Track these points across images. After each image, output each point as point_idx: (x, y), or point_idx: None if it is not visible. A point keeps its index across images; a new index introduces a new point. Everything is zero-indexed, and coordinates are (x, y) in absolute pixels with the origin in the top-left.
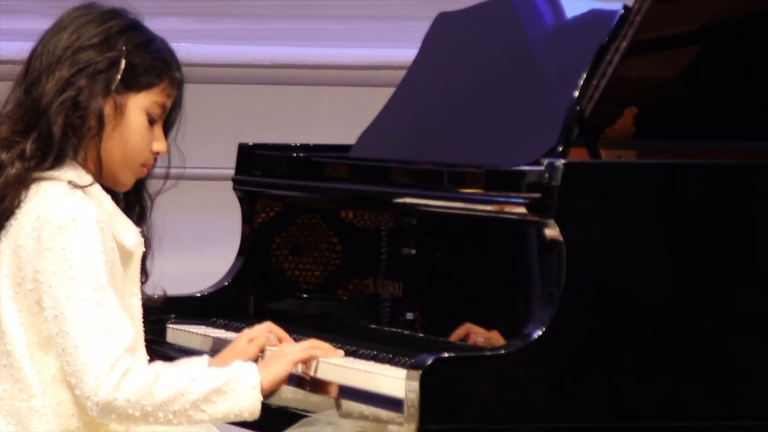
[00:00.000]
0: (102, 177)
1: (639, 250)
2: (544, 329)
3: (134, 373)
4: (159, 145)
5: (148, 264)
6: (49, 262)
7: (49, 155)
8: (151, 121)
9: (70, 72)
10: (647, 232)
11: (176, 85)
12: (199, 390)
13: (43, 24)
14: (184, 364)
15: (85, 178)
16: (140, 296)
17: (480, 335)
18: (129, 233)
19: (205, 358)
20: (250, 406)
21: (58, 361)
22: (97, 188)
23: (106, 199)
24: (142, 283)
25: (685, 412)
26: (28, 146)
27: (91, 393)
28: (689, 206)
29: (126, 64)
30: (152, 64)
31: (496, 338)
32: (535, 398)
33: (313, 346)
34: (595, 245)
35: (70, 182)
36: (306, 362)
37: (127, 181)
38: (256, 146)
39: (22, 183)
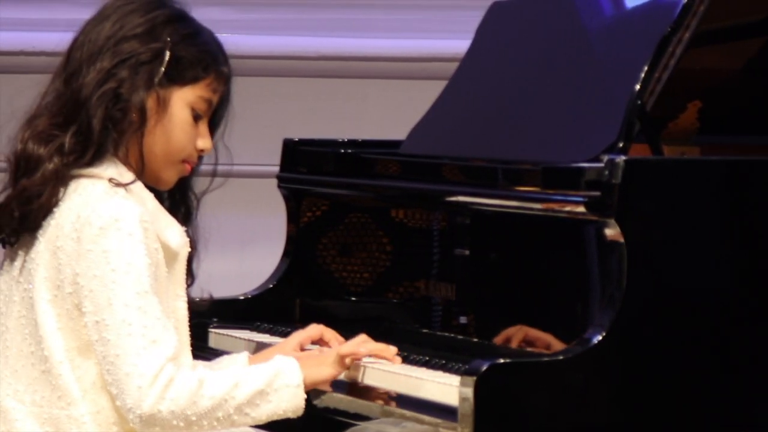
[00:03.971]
0: (144, 175)
1: (703, 250)
2: (604, 334)
3: (178, 383)
4: (204, 142)
5: (194, 266)
6: (90, 265)
7: (89, 150)
8: (196, 117)
9: (112, 63)
10: (712, 232)
11: (223, 80)
12: (243, 394)
13: (82, 14)
14: (225, 363)
15: (126, 175)
16: (186, 299)
17: (537, 340)
18: (173, 232)
19: (245, 354)
20: (293, 406)
21: (98, 366)
22: (139, 186)
23: (149, 197)
24: (188, 285)
25: (756, 422)
26: (67, 140)
27: (134, 405)
28: (756, 205)
29: (171, 56)
30: (198, 57)
31: (553, 343)
32: (595, 406)
33: (362, 342)
34: (658, 245)
35: (111, 180)
36: (355, 366)
37: (169, 179)
38: (302, 142)
39: (60, 179)
